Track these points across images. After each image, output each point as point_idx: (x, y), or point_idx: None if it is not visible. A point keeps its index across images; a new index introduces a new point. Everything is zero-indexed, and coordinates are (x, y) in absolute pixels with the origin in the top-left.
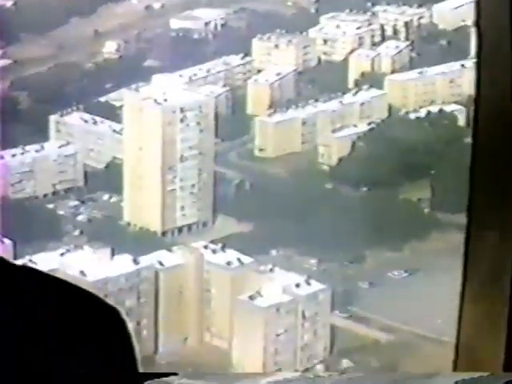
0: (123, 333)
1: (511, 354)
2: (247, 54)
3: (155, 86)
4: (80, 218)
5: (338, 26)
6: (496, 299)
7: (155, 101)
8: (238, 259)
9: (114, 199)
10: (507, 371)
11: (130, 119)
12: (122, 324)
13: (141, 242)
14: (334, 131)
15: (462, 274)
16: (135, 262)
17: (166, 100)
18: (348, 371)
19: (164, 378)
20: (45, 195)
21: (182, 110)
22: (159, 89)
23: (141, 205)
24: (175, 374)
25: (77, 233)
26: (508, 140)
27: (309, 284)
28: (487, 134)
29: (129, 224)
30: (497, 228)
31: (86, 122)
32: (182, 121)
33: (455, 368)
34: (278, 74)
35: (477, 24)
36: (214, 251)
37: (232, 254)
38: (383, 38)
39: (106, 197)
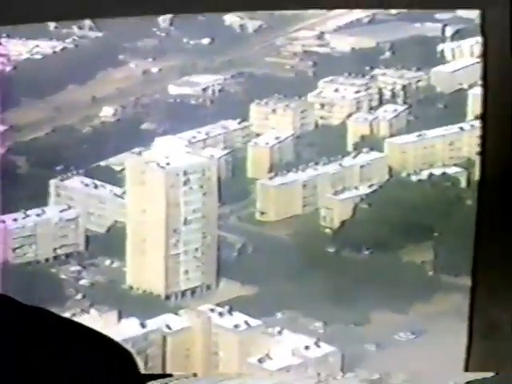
0: (128, 354)
1: None
2: (245, 118)
3: (157, 150)
4: (82, 282)
5: (336, 90)
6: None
7: (158, 164)
8: (246, 322)
9: (115, 264)
10: None
11: (133, 182)
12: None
13: (144, 305)
14: (335, 194)
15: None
16: (142, 325)
17: (168, 163)
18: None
19: (160, 380)
20: (46, 260)
21: (185, 173)
22: (161, 152)
23: (144, 269)
24: (170, 375)
25: (79, 297)
26: None
27: (318, 346)
28: (492, 194)
29: (131, 288)
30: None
31: (86, 185)
32: (185, 184)
33: (467, 368)
34: (277, 138)
35: (483, 80)
36: (220, 314)
37: (239, 317)
38: (381, 102)
39: (107, 262)
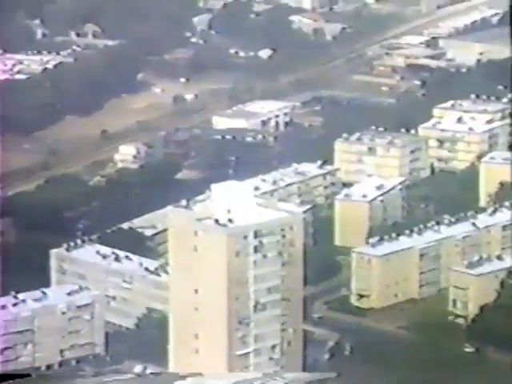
0: None
1: None
2: (327, 160)
3: (215, 202)
4: None
5: (459, 120)
6: None
7: (216, 221)
8: None
9: (151, 371)
10: None
11: (178, 249)
12: None
13: None
14: (469, 266)
15: None
16: None
17: (231, 220)
18: None
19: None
20: (48, 366)
21: (256, 235)
22: (220, 205)
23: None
24: (28, 375)
25: None
26: None
27: None
28: None
29: None
30: None
31: (103, 257)
32: (256, 250)
33: None
34: (379, 188)
35: None
36: None
37: None
38: None
39: (138, 368)
